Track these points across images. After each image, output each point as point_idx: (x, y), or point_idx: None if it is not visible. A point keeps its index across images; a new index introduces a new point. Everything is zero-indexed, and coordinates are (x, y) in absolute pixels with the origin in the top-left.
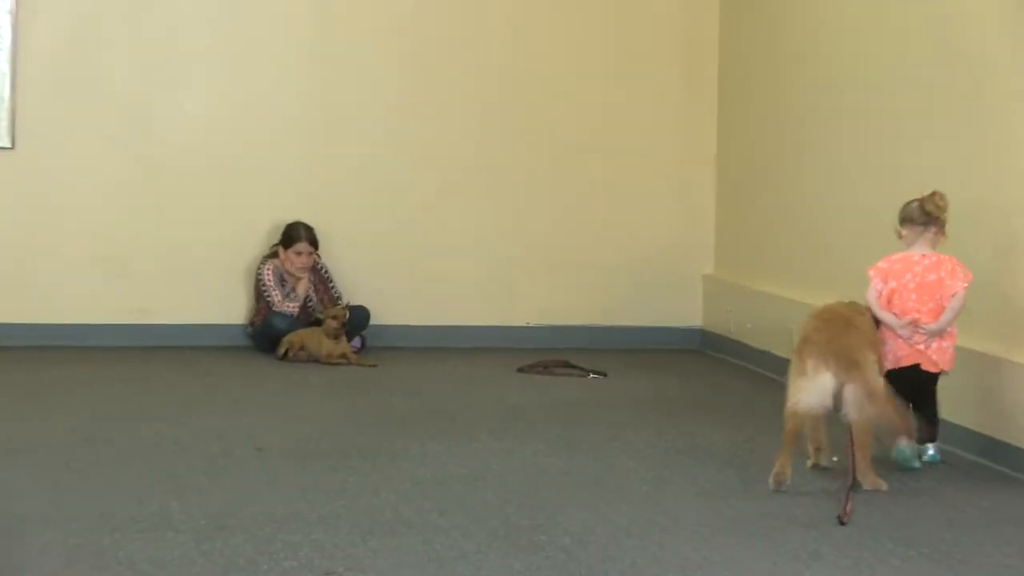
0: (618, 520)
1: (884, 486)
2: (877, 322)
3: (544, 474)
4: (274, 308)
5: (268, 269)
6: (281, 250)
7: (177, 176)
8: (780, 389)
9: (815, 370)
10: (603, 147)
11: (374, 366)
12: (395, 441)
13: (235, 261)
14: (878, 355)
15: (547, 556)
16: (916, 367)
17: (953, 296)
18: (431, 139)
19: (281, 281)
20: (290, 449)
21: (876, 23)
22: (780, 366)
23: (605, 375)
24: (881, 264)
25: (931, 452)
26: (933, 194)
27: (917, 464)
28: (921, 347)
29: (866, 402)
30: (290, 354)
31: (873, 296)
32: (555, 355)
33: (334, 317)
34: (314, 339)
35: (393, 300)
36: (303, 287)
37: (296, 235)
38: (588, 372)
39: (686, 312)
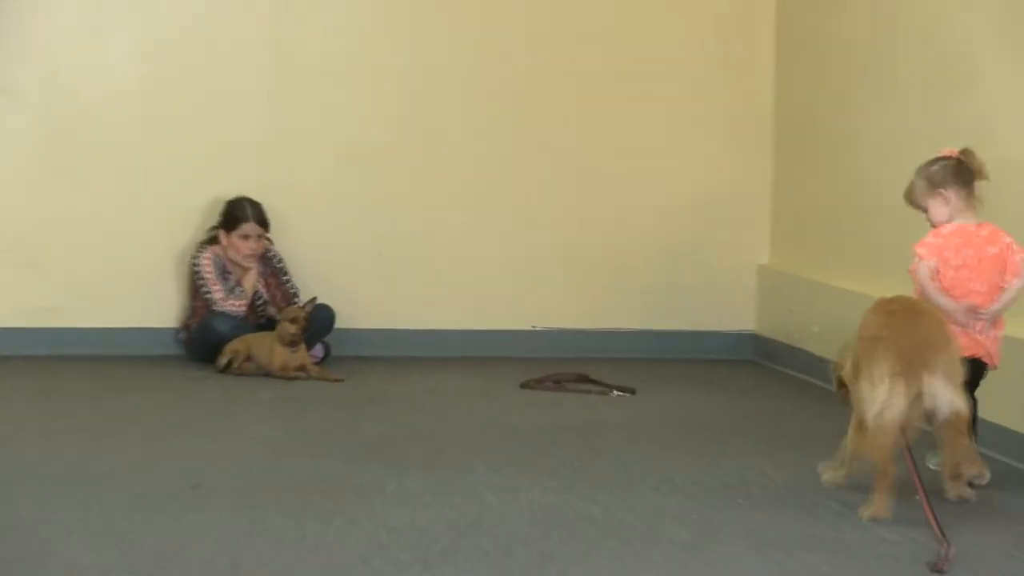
0: None
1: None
2: None
3: (555, 517)
4: (214, 307)
5: (206, 258)
6: (223, 234)
7: (93, 145)
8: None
9: (892, 374)
10: (631, 117)
11: (340, 380)
12: (365, 475)
13: (165, 248)
14: (957, 343)
15: None
16: (975, 361)
17: (1018, 275)
18: (416, 100)
19: (223, 273)
20: (234, 485)
21: None
22: None
23: (633, 392)
24: (931, 239)
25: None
26: (966, 150)
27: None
28: (980, 337)
29: (952, 393)
30: (234, 365)
31: (927, 277)
32: (569, 367)
33: (292, 320)
34: (264, 346)
35: (364, 298)
36: (251, 280)
37: (241, 215)
38: (611, 388)
39: (735, 313)
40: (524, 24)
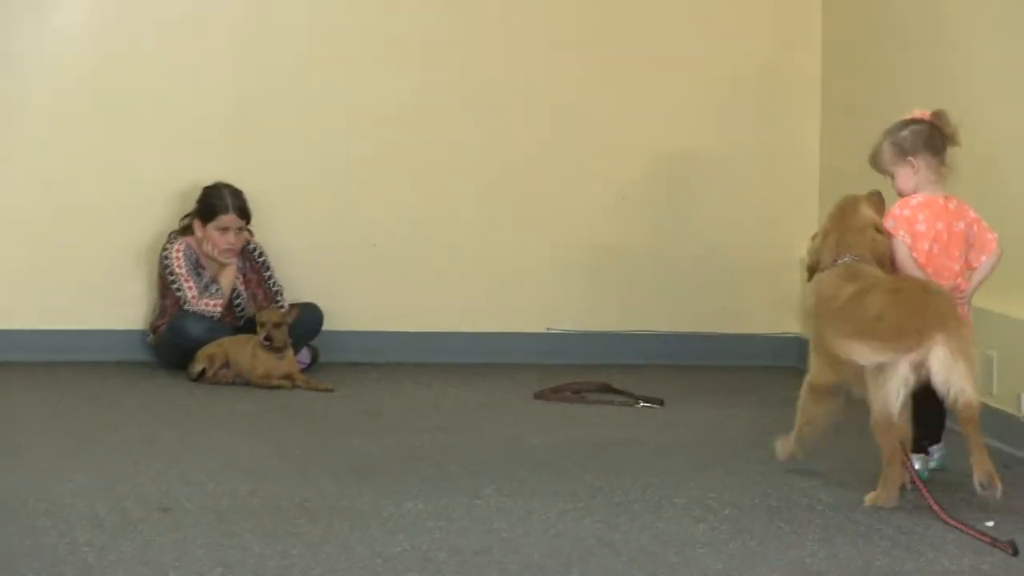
0: None
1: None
2: None
3: (574, 545)
4: (186, 307)
5: (178, 251)
6: (198, 225)
7: (46, 120)
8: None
9: (898, 356)
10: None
11: (330, 390)
12: (358, 497)
13: (130, 240)
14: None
15: None
16: None
17: (992, 252)
18: (421, 73)
19: (196, 268)
20: (209, 509)
21: None
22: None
23: (661, 403)
24: (899, 211)
25: (937, 456)
26: (939, 112)
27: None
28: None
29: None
30: (209, 372)
31: (906, 253)
32: (589, 375)
33: (276, 324)
34: (244, 352)
35: (356, 297)
36: (228, 277)
37: (219, 204)
38: (636, 399)
39: (777, 314)
40: (544, 14)
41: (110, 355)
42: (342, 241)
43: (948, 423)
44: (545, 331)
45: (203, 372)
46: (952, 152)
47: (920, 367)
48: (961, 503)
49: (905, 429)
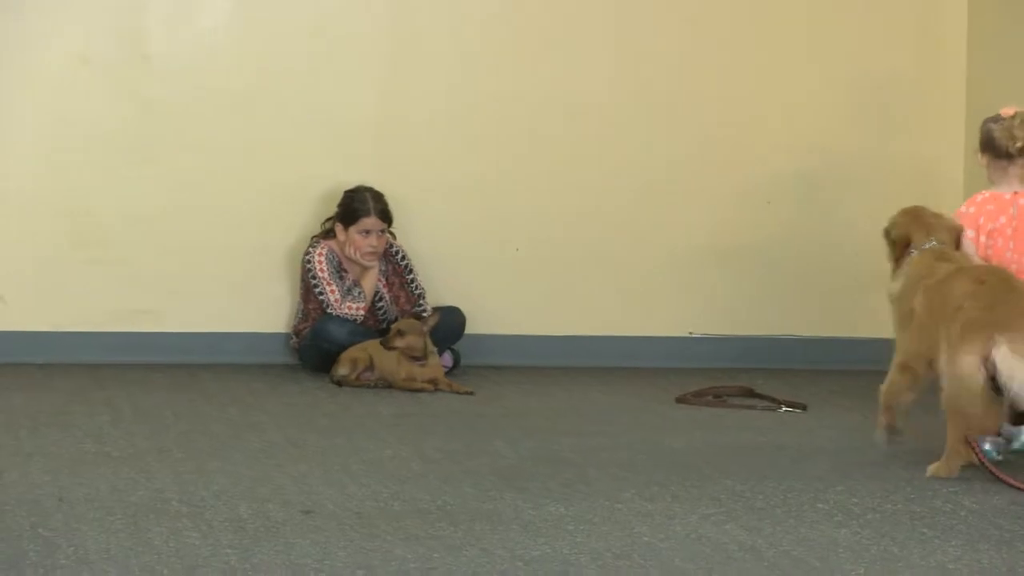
0: None
1: None
2: None
3: (715, 550)
4: (329, 311)
5: (320, 255)
6: (339, 228)
7: (188, 125)
8: None
9: (973, 352)
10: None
11: (471, 393)
12: (499, 501)
13: (273, 243)
14: None
15: None
16: None
17: None
18: (566, 71)
19: (339, 272)
20: (351, 511)
21: None
22: None
23: (804, 408)
24: (965, 208)
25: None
26: (1015, 115)
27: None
28: None
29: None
30: (353, 376)
31: (971, 249)
32: (731, 379)
33: (419, 333)
34: (389, 355)
35: (499, 301)
36: (371, 281)
37: (361, 207)
38: (779, 404)
39: None
40: (693, 16)
41: (253, 358)
42: (485, 245)
43: None
44: (687, 335)
45: (347, 375)
46: None
47: (987, 361)
48: None
49: (987, 412)
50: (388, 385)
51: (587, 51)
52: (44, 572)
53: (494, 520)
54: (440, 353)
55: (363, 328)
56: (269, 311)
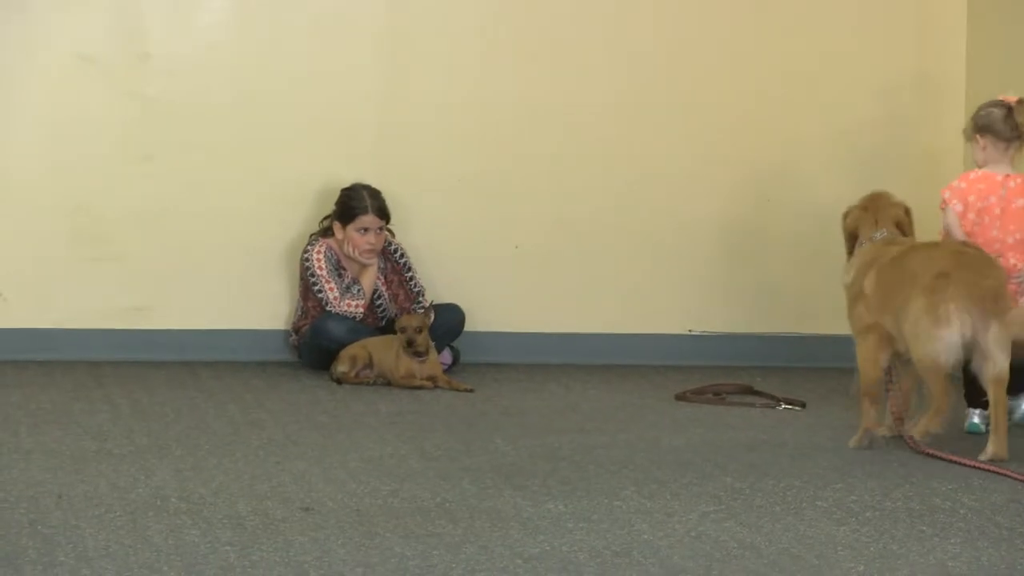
0: None
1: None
2: None
3: (715, 547)
4: (328, 308)
5: (319, 253)
6: (337, 227)
7: (186, 122)
8: None
9: (958, 316)
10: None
11: (470, 391)
12: (499, 498)
13: (272, 240)
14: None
15: None
16: None
17: None
18: (563, 71)
19: (338, 270)
20: (350, 509)
21: None
22: None
23: (803, 406)
24: (957, 183)
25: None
26: (1020, 101)
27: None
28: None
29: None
30: (352, 373)
31: (955, 222)
32: (730, 377)
33: (416, 329)
34: (388, 352)
35: (498, 298)
36: (369, 278)
37: (358, 205)
38: (778, 401)
39: None
40: (699, 21)
41: (253, 355)
42: (484, 242)
43: None
44: (686, 333)
45: (346, 373)
46: None
47: (971, 331)
48: None
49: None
50: (387, 382)
51: (587, 51)
52: (43, 569)
53: (493, 517)
54: (439, 350)
55: (362, 325)
56: (268, 308)
